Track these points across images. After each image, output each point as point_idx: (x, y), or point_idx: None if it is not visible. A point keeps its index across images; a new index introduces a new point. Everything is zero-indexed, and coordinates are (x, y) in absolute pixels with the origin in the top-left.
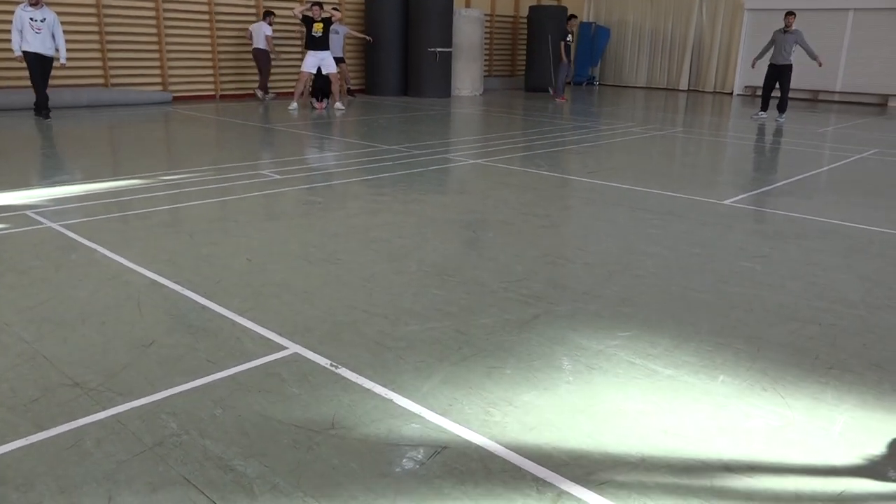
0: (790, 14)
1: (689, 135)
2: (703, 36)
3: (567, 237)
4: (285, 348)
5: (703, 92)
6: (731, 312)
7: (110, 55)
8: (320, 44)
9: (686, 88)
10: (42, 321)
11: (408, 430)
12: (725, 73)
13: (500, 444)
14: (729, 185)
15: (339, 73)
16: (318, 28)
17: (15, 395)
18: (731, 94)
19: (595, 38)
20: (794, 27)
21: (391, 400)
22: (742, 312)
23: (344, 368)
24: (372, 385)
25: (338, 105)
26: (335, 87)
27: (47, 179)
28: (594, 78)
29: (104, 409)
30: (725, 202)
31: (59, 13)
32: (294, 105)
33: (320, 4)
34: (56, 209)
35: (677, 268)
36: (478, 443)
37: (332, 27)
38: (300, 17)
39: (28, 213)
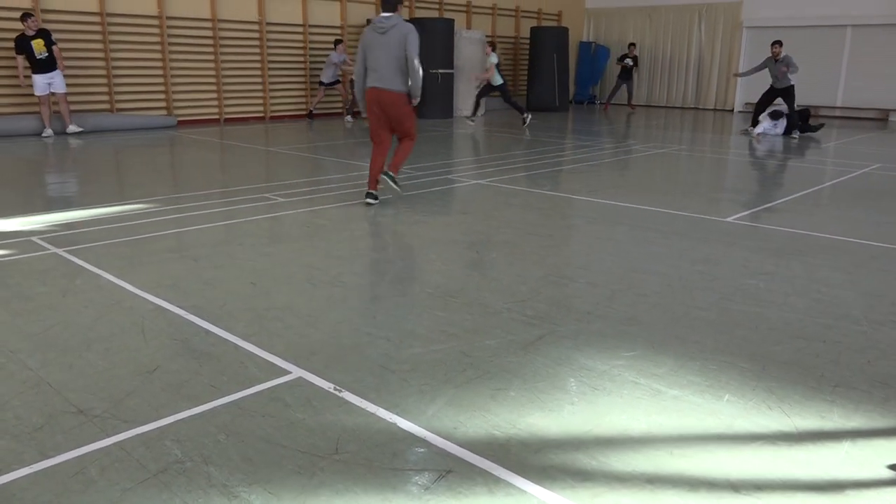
0: (775, 44)
1: (691, 152)
2: (703, 53)
3: (570, 257)
4: (289, 372)
5: (704, 109)
6: (736, 330)
7: (116, 80)
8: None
9: (687, 106)
10: (47, 347)
11: (412, 453)
12: (726, 90)
13: (505, 467)
14: (731, 202)
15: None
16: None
17: (20, 422)
18: (732, 111)
19: (595, 58)
20: (782, 54)
21: (395, 423)
22: (746, 330)
23: (348, 392)
24: (376, 409)
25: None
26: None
27: (53, 205)
28: (595, 97)
29: (108, 436)
30: (728, 219)
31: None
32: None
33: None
34: (61, 235)
35: (680, 286)
36: (483, 466)
37: (334, 55)
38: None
39: (34, 238)
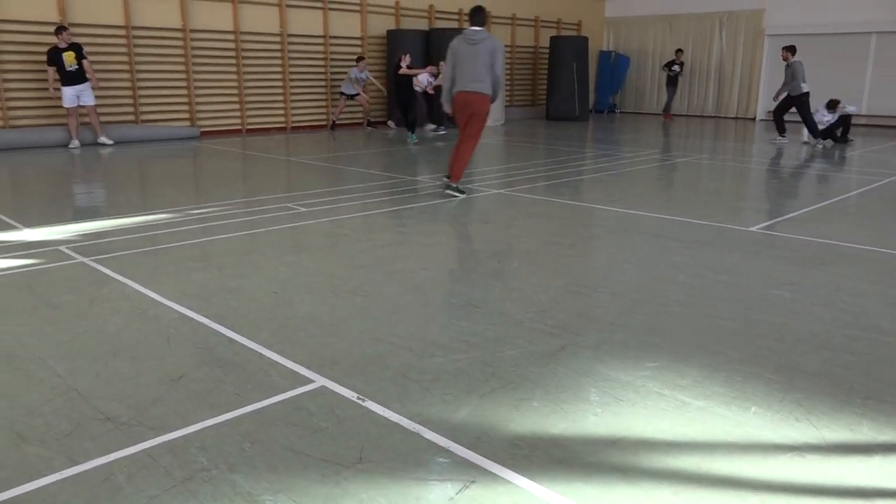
0: (785, 49)
1: (713, 161)
2: (724, 62)
3: (591, 266)
4: (312, 381)
5: (726, 118)
6: (761, 341)
7: (140, 92)
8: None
9: (707, 115)
10: (75, 355)
11: (436, 463)
12: (748, 98)
13: (530, 478)
14: (755, 211)
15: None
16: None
17: (49, 429)
18: (754, 119)
19: (615, 67)
20: (790, 60)
21: (418, 433)
22: (772, 341)
23: (371, 401)
24: (399, 418)
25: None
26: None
27: (80, 215)
28: (615, 106)
29: (135, 443)
30: (752, 229)
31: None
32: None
33: (360, 58)
34: (88, 244)
35: (704, 296)
36: (506, 477)
37: (354, 71)
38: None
39: (62, 248)
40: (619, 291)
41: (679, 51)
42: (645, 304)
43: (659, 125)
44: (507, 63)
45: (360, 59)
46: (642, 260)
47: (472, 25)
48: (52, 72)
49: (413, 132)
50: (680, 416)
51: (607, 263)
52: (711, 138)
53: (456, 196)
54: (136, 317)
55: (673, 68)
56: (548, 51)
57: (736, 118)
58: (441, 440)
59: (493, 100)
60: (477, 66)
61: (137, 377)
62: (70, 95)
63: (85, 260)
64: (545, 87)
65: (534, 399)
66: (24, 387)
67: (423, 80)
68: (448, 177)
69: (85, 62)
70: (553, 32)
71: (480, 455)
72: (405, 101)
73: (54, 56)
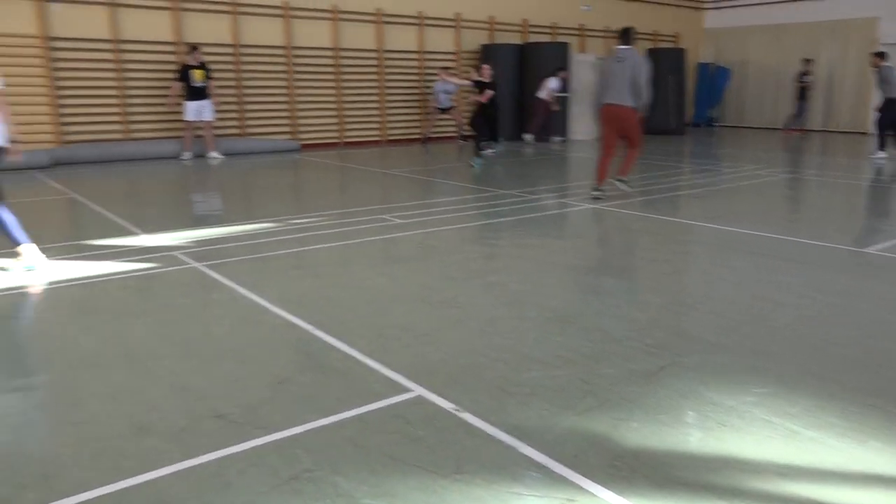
0: (874, 54)
1: (822, 177)
2: (834, 73)
3: (691, 285)
4: (410, 390)
5: (835, 132)
6: (881, 370)
7: (246, 107)
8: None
9: (816, 128)
10: (190, 355)
11: (533, 479)
12: (858, 111)
13: (629, 500)
14: (870, 231)
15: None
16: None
17: (166, 423)
18: (866, 133)
19: (714, 79)
20: (882, 64)
21: (514, 447)
22: (893, 371)
23: (467, 413)
24: (495, 431)
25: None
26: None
27: (192, 222)
28: (713, 119)
29: (244, 441)
30: (867, 250)
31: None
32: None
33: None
34: (199, 250)
35: (815, 319)
36: (605, 498)
37: (438, 85)
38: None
39: (176, 253)
40: (721, 311)
41: (809, 60)
42: (749, 326)
43: (763, 139)
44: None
45: (444, 69)
46: (745, 279)
47: (620, 44)
48: (178, 86)
49: (482, 154)
50: (789, 445)
51: (708, 282)
52: (819, 153)
53: (598, 198)
54: (243, 321)
55: (805, 80)
56: None
57: (847, 132)
58: (538, 455)
59: (639, 110)
60: (623, 81)
61: (246, 378)
62: (193, 109)
63: (197, 265)
64: None
65: (633, 419)
66: (144, 383)
67: (552, 85)
68: (597, 189)
69: (211, 81)
70: (649, 45)
71: (579, 473)
72: (481, 117)
73: (184, 72)
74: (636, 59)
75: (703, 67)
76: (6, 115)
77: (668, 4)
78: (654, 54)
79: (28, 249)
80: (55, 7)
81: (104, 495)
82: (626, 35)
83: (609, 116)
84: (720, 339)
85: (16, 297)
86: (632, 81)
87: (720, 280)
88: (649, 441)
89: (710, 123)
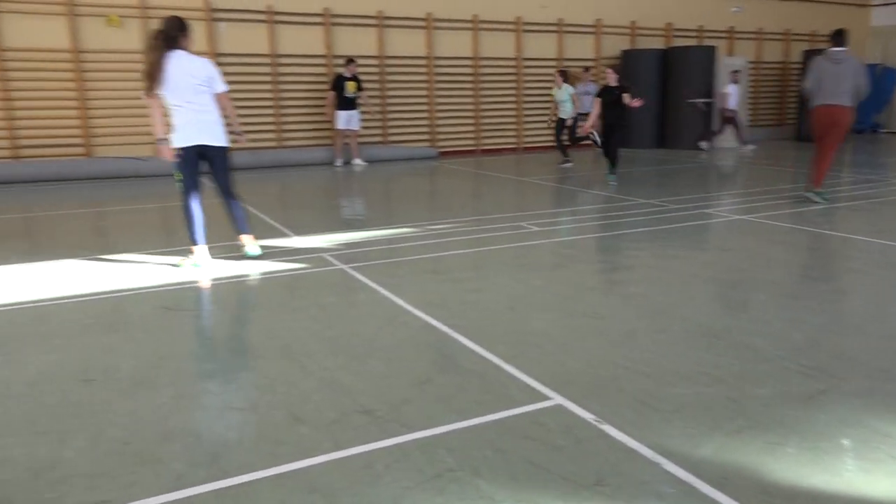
0: None
1: None
2: None
3: (855, 305)
4: (549, 398)
5: None
6: None
7: (388, 115)
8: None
9: None
10: (339, 352)
11: (677, 498)
12: None
13: None
14: None
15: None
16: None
17: (319, 414)
18: None
19: (881, 81)
20: None
21: (658, 464)
22: None
23: (608, 425)
24: (637, 445)
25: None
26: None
27: (338, 226)
28: (879, 125)
29: (390, 437)
30: None
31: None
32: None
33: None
34: (345, 252)
35: None
36: None
37: (583, 85)
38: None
39: (324, 255)
40: (892, 335)
41: None
42: None
43: None
44: (750, 80)
45: (585, 69)
46: None
47: (835, 46)
48: (332, 96)
49: (614, 169)
50: None
51: (874, 302)
52: None
53: (818, 203)
54: (388, 321)
55: None
56: (799, 66)
57: None
58: (683, 474)
59: (852, 108)
60: (841, 82)
61: (391, 377)
62: (344, 118)
63: (343, 266)
64: (795, 105)
65: (788, 445)
66: (299, 376)
67: (732, 90)
68: (817, 192)
69: (362, 93)
70: (805, 46)
71: (728, 496)
72: (610, 129)
73: (338, 82)
74: (855, 62)
75: (870, 69)
76: (231, 112)
77: (828, 2)
78: (811, 56)
79: (199, 249)
80: (221, 27)
81: (264, 478)
82: (840, 37)
83: (826, 117)
84: (892, 366)
85: (186, 291)
86: (853, 84)
87: (890, 301)
88: (807, 469)
89: (874, 129)
